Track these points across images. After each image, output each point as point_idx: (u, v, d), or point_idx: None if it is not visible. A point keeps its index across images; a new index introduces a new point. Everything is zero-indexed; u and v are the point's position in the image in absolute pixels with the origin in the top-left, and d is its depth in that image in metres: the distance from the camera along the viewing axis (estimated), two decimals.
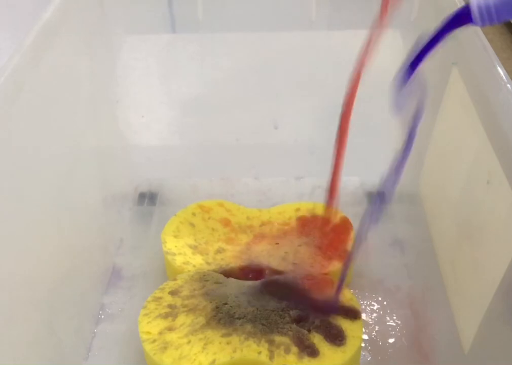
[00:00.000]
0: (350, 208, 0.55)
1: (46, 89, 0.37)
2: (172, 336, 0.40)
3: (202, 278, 0.44)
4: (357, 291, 0.47)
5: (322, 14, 0.51)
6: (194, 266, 0.46)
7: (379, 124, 0.53)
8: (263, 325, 0.40)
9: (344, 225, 0.48)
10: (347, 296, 0.43)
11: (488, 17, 0.28)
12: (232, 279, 0.45)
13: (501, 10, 0.27)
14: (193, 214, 0.50)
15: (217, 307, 0.42)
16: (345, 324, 0.40)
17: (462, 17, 0.29)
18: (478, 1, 0.28)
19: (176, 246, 0.47)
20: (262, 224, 0.50)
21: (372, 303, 0.47)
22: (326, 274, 0.45)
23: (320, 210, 0.50)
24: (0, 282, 0.32)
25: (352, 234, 0.48)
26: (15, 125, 0.33)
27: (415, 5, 0.47)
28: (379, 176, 0.59)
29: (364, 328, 0.41)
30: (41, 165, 0.37)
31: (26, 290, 0.35)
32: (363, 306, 0.46)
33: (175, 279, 0.44)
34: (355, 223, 0.49)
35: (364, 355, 0.43)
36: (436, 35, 0.30)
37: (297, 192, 0.57)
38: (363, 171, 0.58)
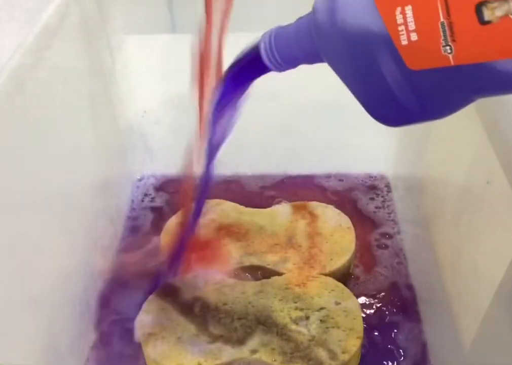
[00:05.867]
0: (350, 205, 0.56)
1: (46, 89, 0.37)
2: (171, 336, 0.40)
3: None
4: (357, 291, 0.47)
5: None
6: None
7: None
8: (263, 326, 0.40)
9: None
10: (347, 297, 0.43)
11: (276, 61, 0.27)
12: (232, 279, 0.45)
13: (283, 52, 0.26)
14: None
15: (217, 308, 0.42)
16: (345, 325, 0.40)
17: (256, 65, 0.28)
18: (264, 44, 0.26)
19: None
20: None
21: (372, 303, 0.47)
22: (326, 274, 0.45)
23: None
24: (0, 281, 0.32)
25: (352, 234, 0.48)
26: (15, 125, 0.33)
27: None
28: (380, 173, 0.59)
29: (364, 329, 0.41)
30: (41, 165, 0.37)
31: (26, 289, 0.35)
32: (363, 307, 0.46)
33: (174, 280, 0.44)
34: (355, 222, 0.49)
35: (365, 354, 0.43)
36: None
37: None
38: (364, 167, 0.59)
